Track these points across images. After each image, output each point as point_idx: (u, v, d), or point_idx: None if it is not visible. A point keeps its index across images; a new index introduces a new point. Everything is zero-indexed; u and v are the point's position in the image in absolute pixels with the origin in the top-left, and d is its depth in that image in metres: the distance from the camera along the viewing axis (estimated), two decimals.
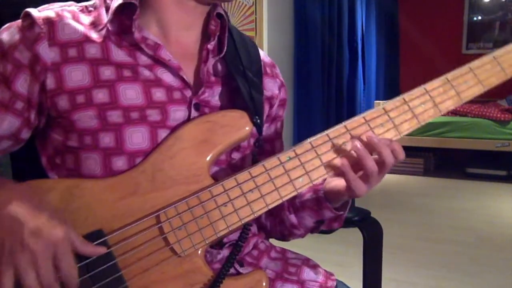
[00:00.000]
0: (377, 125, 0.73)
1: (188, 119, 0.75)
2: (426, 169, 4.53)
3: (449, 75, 0.76)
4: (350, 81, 4.21)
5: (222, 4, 0.80)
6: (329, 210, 0.82)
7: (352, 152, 0.71)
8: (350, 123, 0.73)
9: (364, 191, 0.73)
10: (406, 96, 0.75)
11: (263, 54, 0.92)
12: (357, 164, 0.72)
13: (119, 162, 0.71)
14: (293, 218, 0.89)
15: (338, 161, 0.71)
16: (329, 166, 0.72)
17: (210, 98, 0.78)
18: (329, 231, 0.92)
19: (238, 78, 0.78)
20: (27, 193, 0.64)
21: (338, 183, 0.77)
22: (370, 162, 0.70)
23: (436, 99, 0.75)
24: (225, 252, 0.78)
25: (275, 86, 0.90)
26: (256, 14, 3.07)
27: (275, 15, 3.23)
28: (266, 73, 0.89)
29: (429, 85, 0.76)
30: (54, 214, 0.63)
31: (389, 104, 0.74)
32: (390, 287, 2.14)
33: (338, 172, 0.72)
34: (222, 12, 0.79)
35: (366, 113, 0.74)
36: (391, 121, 0.74)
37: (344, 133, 0.72)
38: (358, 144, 0.71)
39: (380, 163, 0.71)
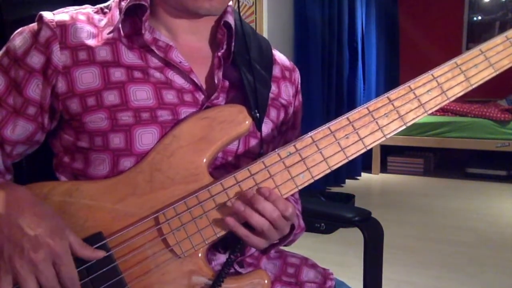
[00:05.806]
0: (381, 115, 0.70)
1: None
2: (426, 169, 4.53)
3: (459, 59, 0.72)
4: (350, 81, 4.19)
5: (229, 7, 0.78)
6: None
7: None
8: (353, 114, 0.70)
9: (262, 245, 0.69)
10: (412, 83, 0.71)
11: (284, 58, 0.89)
12: None
13: (127, 163, 0.70)
14: None
15: (227, 220, 0.67)
16: (222, 225, 0.68)
17: (222, 102, 0.77)
18: (328, 231, 0.91)
19: (241, 67, 0.77)
20: (28, 198, 0.64)
21: None
22: (255, 218, 0.66)
23: (443, 85, 0.71)
24: (227, 254, 0.78)
25: (292, 92, 0.87)
26: (256, 14, 3.07)
27: (275, 15, 3.23)
28: (284, 76, 0.87)
29: (437, 71, 0.72)
30: (55, 220, 0.63)
31: (394, 92, 0.71)
32: (390, 287, 2.14)
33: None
34: (230, 21, 0.77)
35: (370, 103, 0.71)
36: (396, 110, 0.71)
37: (346, 125, 0.70)
38: (238, 203, 0.66)
39: (267, 218, 0.66)
